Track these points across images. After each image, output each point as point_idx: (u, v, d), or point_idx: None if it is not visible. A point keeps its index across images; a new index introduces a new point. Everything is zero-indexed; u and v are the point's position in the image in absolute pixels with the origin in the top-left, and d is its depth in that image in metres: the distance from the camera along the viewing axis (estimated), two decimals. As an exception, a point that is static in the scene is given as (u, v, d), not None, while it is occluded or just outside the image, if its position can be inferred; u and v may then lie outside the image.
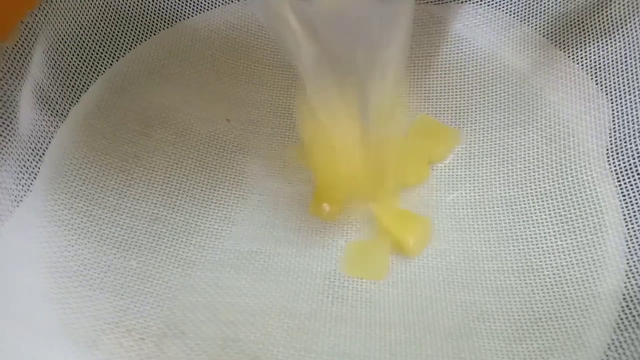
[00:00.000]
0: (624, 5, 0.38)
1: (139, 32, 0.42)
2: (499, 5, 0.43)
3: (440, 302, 0.34)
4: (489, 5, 0.44)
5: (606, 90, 0.37)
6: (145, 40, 0.42)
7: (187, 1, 0.44)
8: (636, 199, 0.34)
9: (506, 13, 0.43)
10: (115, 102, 0.39)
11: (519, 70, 0.41)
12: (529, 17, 0.42)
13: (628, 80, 0.37)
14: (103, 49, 0.40)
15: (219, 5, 0.45)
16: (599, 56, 0.38)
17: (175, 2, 0.44)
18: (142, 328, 0.31)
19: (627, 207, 0.34)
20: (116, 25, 0.41)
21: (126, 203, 0.36)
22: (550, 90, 0.39)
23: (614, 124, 0.36)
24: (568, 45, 0.40)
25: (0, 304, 0.29)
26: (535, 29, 0.42)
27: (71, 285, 0.32)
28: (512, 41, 0.42)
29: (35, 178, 0.34)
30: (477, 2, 0.44)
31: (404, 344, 0.32)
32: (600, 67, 0.38)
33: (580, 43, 0.39)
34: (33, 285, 0.31)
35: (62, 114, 0.37)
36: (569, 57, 0.40)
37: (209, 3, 0.45)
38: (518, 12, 0.43)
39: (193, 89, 0.41)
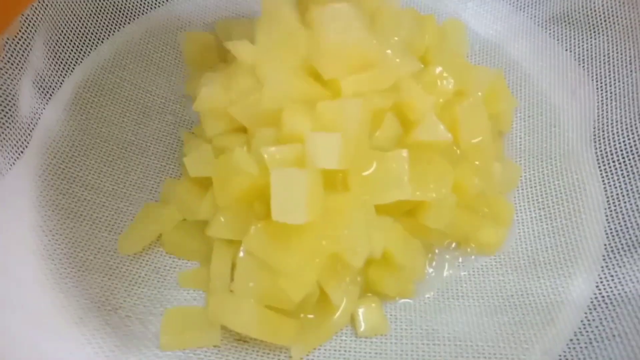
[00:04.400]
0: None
1: (132, 11, 0.42)
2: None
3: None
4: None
5: (594, 79, 0.38)
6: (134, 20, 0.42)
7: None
8: (617, 184, 0.34)
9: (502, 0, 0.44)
10: (114, 91, 0.39)
11: (512, 57, 0.42)
12: (524, 6, 0.43)
13: (615, 69, 0.37)
14: (99, 33, 0.40)
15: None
16: (589, 45, 0.39)
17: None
18: (128, 307, 0.32)
19: (608, 191, 0.34)
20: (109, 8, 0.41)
21: (122, 189, 0.36)
22: (540, 77, 0.40)
23: (600, 112, 0.37)
24: (561, 34, 0.41)
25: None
26: (530, 17, 0.42)
27: (62, 268, 0.32)
28: (507, 29, 0.43)
29: (28, 162, 0.34)
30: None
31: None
32: (589, 56, 0.39)
33: (572, 32, 0.40)
34: (25, 271, 0.31)
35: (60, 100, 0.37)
36: (560, 45, 0.40)
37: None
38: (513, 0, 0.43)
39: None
